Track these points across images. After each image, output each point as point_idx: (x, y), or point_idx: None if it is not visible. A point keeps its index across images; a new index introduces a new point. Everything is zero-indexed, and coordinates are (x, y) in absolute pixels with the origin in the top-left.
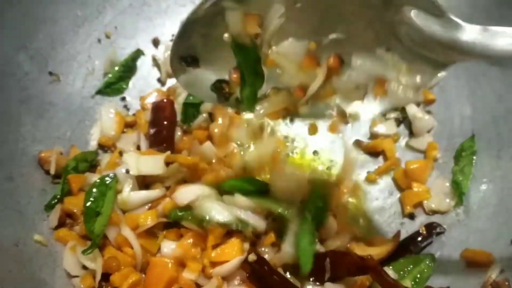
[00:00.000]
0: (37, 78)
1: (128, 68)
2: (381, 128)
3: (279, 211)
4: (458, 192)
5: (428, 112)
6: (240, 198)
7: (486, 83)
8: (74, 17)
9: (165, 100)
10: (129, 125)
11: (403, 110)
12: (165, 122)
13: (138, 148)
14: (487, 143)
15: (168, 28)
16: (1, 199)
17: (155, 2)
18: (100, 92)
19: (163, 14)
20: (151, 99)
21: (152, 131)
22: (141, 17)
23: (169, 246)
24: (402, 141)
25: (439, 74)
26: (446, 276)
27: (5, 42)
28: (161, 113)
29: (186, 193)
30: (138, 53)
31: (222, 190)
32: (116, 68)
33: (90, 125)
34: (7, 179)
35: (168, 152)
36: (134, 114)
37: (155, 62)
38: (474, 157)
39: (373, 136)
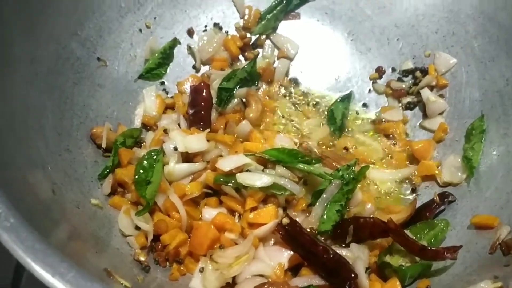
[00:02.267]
0: (87, 63)
1: (166, 56)
2: (388, 115)
3: (319, 172)
4: (469, 166)
5: (441, 96)
6: (279, 167)
7: (494, 69)
8: (118, 9)
9: (202, 84)
10: (168, 107)
11: (418, 94)
12: (203, 103)
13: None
14: (495, 122)
15: (202, 20)
16: (63, 167)
17: None
18: (141, 76)
19: (197, 7)
20: (188, 84)
21: (191, 111)
22: (178, 9)
23: (210, 212)
24: (416, 122)
25: (451, 61)
26: (459, 239)
27: (60, 30)
28: (199, 95)
29: (229, 161)
30: (175, 42)
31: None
32: (156, 55)
33: (134, 106)
34: (66, 150)
35: (208, 130)
36: (172, 97)
37: (190, 51)
38: (483, 135)
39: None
